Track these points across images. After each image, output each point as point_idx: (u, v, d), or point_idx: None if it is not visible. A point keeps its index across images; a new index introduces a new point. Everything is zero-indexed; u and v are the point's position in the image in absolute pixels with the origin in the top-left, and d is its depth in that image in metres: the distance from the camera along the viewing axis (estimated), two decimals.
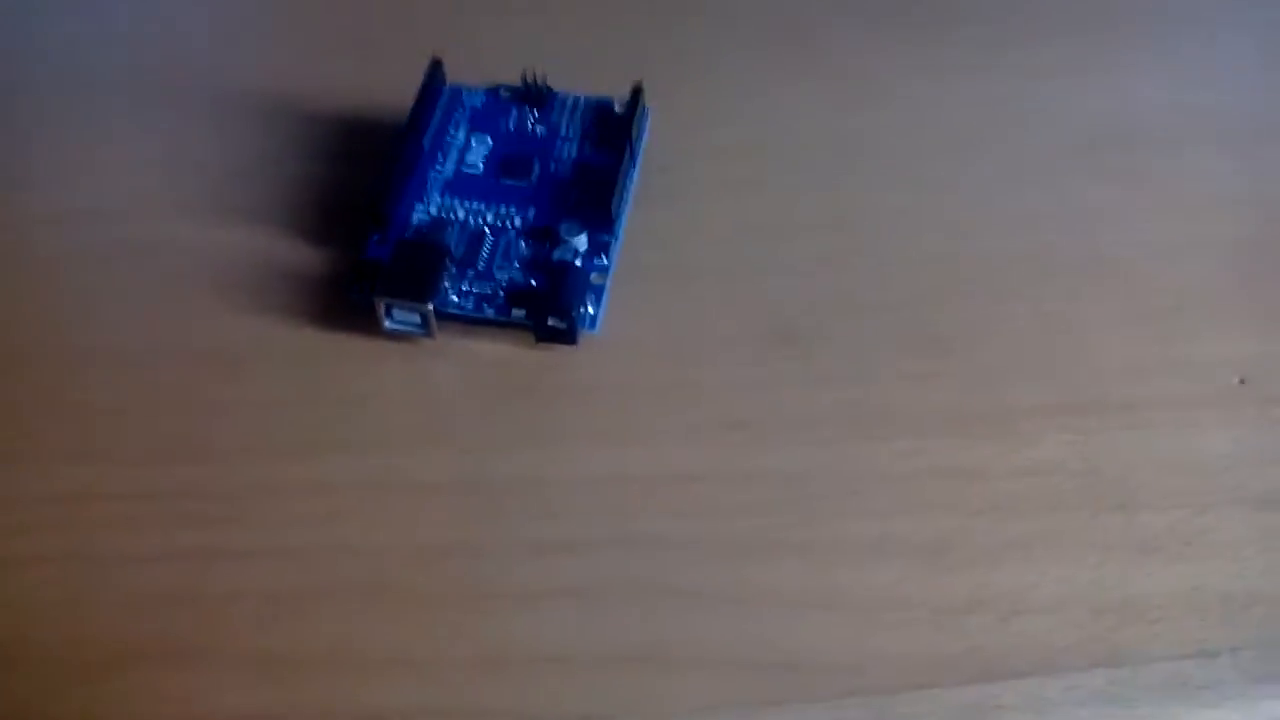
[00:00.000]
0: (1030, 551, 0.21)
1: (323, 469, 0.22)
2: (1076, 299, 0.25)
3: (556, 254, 0.24)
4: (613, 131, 0.26)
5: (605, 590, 0.20)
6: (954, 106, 0.28)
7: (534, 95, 0.27)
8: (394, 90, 0.26)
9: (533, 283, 0.24)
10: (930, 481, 0.22)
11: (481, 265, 0.24)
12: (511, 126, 0.26)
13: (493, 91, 0.27)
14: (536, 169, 0.26)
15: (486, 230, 0.25)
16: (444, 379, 0.23)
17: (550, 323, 0.23)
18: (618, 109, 0.26)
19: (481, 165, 0.26)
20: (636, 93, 0.26)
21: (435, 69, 0.26)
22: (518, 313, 0.23)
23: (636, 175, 0.26)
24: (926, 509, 0.22)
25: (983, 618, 0.20)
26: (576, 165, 0.26)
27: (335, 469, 0.22)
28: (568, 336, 0.23)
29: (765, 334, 0.24)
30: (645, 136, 0.27)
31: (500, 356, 0.24)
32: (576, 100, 0.27)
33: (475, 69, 0.27)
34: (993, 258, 0.26)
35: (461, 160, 0.26)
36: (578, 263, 0.24)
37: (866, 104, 0.28)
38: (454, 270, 0.24)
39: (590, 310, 0.24)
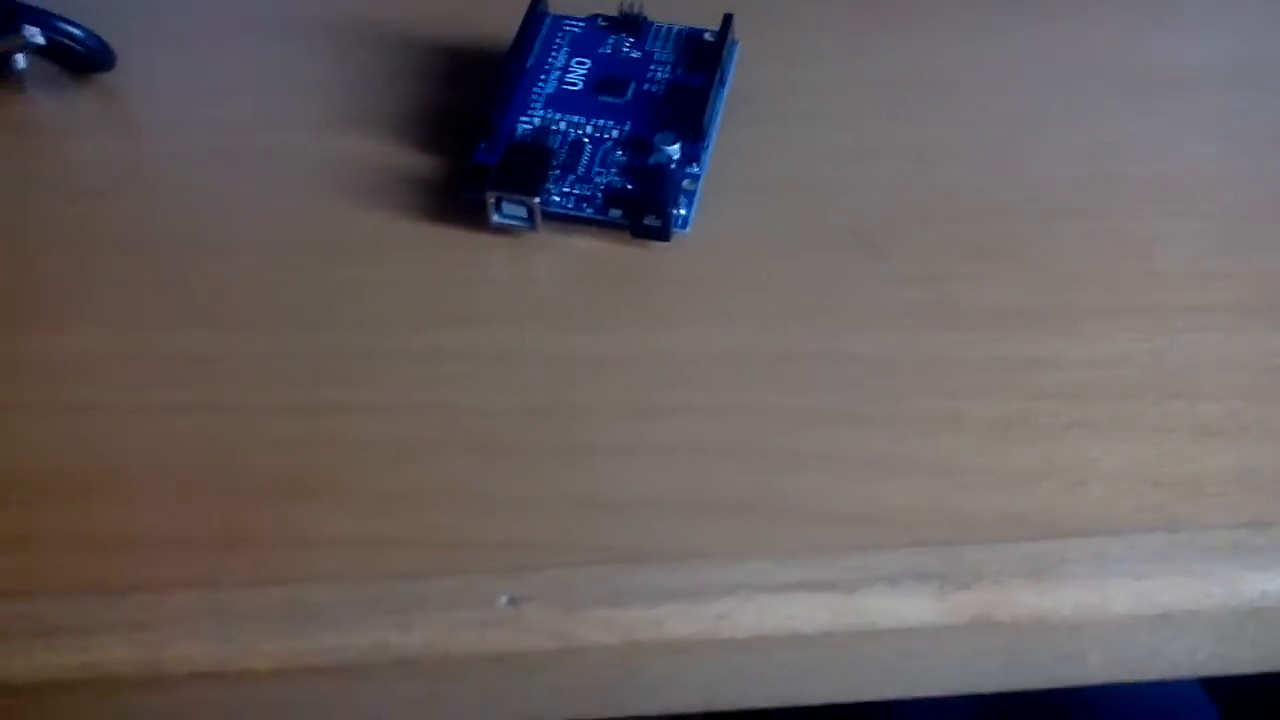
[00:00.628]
0: (1095, 431, 0.23)
1: (435, 340, 0.24)
2: (1137, 218, 0.26)
3: (652, 159, 0.26)
4: (703, 58, 0.28)
5: (702, 449, 0.22)
6: (1014, 49, 0.30)
7: (630, 24, 0.29)
8: (500, 22, 0.28)
9: (629, 186, 0.26)
10: (1000, 368, 0.23)
11: (581, 170, 0.26)
12: (609, 50, 0.28)
13: (591, 20, 0.29)
14: (632, 88, 0.27)
15: (586, 140, 0.26)
16: (546, 267, 0.25)
17: (646, 221, 0.25)
18: (708, 38, 0.28)
19: (581, 83, 0.28)
20: (727, 20, 0.28)
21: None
22: (615, 212, 0.25)
23: (724, 98, 0.28)
24: (997, 391, 0.23)
25: (1049, 485, 0.22)
26: (670, 85, 0.28)
27: (447, 340, 0.24)
28: (662, 233, 0.25)
29: (844, 239, 0.26)
30: (733, 67, 0.29)
31: (598, 251, 0.25)
32: (670, 29, 0.29)
33: (576, 2, 0.29)
34: (1054, 181, 0.27)
35: (562, 79, 0.28)
36: (671, 167, 0.26)
37: (933, 47, 0.30)
38: (556, 174, 0.26)
39: (683, 211, 0.25)
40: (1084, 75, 0.29)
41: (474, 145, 0.26)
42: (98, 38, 0.28)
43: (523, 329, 0.24)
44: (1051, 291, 0.25)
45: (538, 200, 0.25)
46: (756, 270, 0.25)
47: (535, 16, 0.28)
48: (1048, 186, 0.27)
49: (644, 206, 0.25)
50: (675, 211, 0.25)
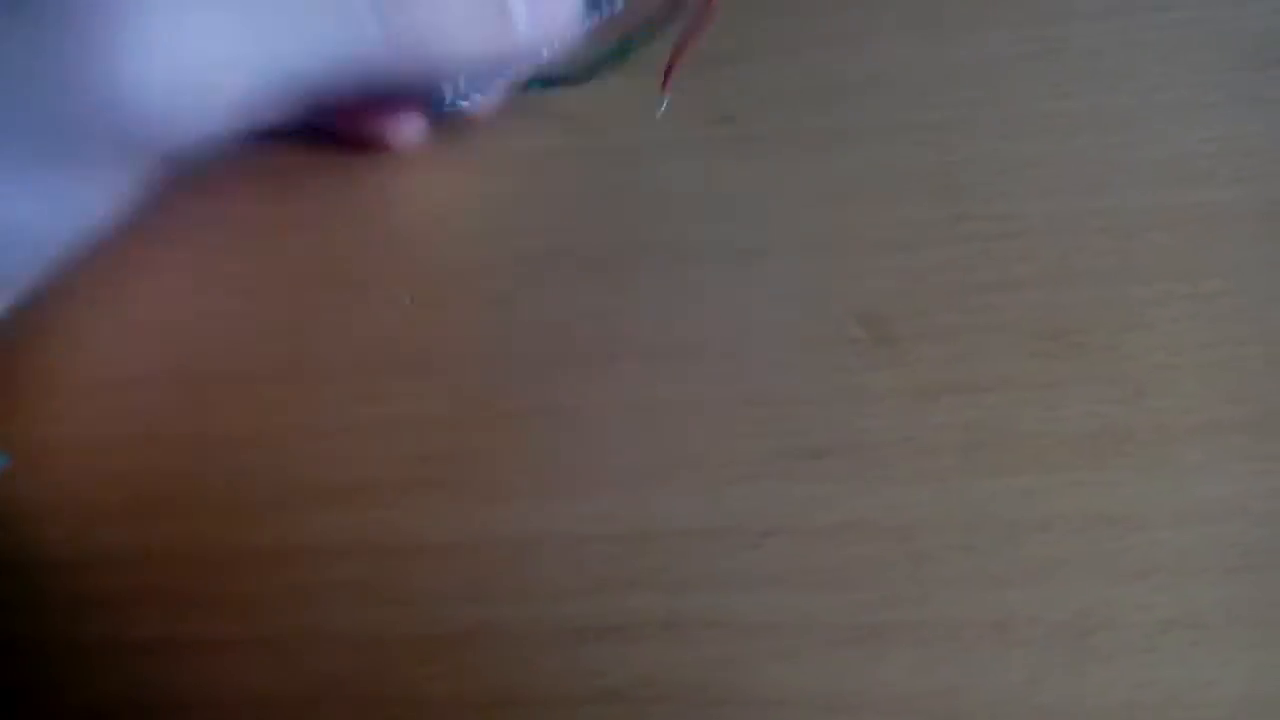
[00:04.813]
0: (1204, 636, 0.16)
1: None
2: (1253, 273, 0.19)
3: None
4: None
5: None
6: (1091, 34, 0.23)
7: None
8: None
9: None
10: (1067, 535, 0.17)
11: None
12: None
13: None
14: None
15: None
16: None
17: None
18: None
19: None
20: None
21: None
22: None
23: None
24: (1065, 574, 0.17)
25: None
26: None
27: None
28: None
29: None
30: None
31: None
32: None
33: None
34: (1140, 219, 0.20)
35: None
36: None
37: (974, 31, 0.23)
38: None
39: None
40: (1170, 62, 0.22)
41: None
42: None
43: None
44: (1133, 400, 0.18)
45: None
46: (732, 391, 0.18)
47: None
48: (1126, 227, 0.20)
49: None
50: None
